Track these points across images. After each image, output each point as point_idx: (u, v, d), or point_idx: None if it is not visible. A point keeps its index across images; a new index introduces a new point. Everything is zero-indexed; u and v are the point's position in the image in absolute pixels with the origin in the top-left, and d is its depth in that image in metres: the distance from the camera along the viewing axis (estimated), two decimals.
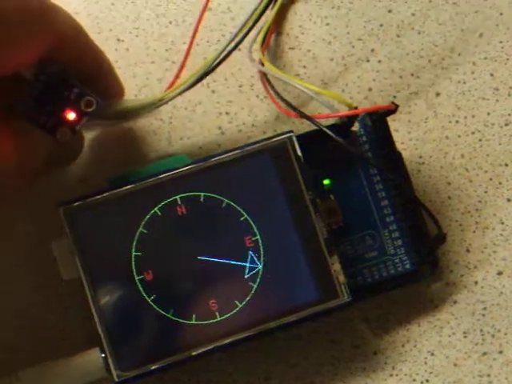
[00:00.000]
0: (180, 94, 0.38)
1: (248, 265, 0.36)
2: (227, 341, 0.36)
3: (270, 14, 0.40)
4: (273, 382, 0.40)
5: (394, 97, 0.42)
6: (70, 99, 0.34)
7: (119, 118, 0.39)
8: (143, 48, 0.42)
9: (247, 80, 0.42)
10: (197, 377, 0.39)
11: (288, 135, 0.37)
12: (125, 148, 0.41)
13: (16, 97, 0.34)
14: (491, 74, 0.42)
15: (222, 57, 0.37)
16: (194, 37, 0.39)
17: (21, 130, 0.34)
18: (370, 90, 0.42)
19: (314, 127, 0.38)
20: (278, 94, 0.39)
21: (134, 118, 0.39)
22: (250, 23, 0.37)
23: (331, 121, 0.38)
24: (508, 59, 0.42)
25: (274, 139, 0.37)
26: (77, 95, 0.34)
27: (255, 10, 0.38)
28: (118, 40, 0.42)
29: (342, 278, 0.36)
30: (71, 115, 0.34)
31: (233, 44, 0.37)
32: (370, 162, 0.38)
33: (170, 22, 0.42)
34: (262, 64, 0.39)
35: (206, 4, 0.39)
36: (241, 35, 0.37)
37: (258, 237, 0.36)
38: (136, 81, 0.41)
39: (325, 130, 0.36)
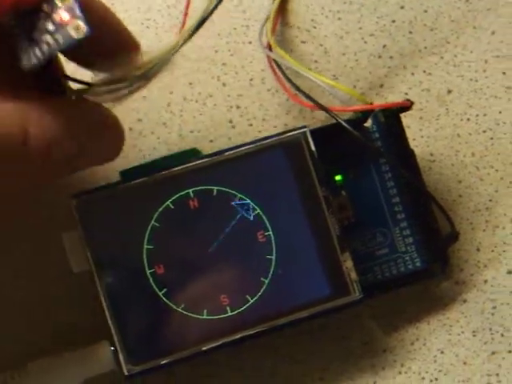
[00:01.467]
0: (190, 37, 0.38)
1: (260, 260, 0.36)
2: (238, 336, 0.36)
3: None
4: (279, 378, 0.39)
5: (406, 94, 0.41)
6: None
7: (134, 79, 0.38)
8: (154, 40, 0.42)
9: (258, 73, 0.42)
10: (206, 371, 0.39)
11: (302, 130, 0.37)
12: (135, 140, 0.40)
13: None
14: (503, 73, 0.42)
15: None
16: None
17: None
18: (382, 86, 0.42)
19: (324, 123, 0.38)
20: (290, 81, 0.38)
21: (149, 74, 0.39)
22: None
23: (344, 117, 0.37)
24: None
25: (288, 134, 0.37)
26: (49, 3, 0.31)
27: None
28: None
29: (353, 275, 0.36)
30: (64, 15, 0.31)
31: None
32: (386, 158, 0.38)
33: (181, 12, 0.42)
34: (272, 51, 0.39)
35: None
36: None
37: (271, 232, 0.36)
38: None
39: (342, 123, 0.36)
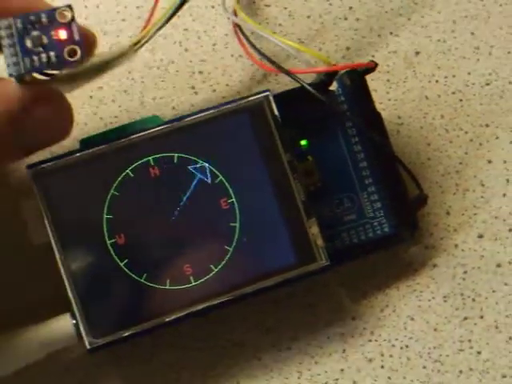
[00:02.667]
0: (158, 30, 0.37)
1: (223, 228, 0.35)
2: (202, 306, 0.35)
3: None
4: (247, 348, 0.39)
5: (373, 56, 0.41)
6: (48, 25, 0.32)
7: (97, 72, 0.37)
8: (114, 5, 0.41)
9: (221, 38, 0.41)
10: (171, 341, 0.38)
11: (265, 94, 0.36)
12: (96, 108, 0.40)
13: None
14: (472, 33, 0.41)
15: None
16: None
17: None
18: (348, 48, 0.41)
19: (288, 88, 0.37)
20: (254, 46, 0.38)
21: (112, 68, 0.38)
22: None
23: (308, 80, 0.37)
24: (489, 17, 0.41)
25: (250, 98, 0.36)
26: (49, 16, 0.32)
27: None
28: None
29: (320, 242, 0.35)
30: (62, 34, 0.32)
31: None
32: (352, 121, 0.37)
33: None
34: (236, 15, 0.38)
35: None
36: None
37: (234, 199, 0.35)
38: (107, 38, 0.40)
39: (306, 86, 0.35)
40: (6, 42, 0.32)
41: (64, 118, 0.34)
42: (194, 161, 0.35)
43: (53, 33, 0.32)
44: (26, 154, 0.34)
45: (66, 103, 0.34)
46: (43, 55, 0.32)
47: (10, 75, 0.32)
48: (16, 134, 0.33)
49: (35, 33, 0.32)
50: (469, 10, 0.41)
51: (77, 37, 0.32)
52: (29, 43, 0.32)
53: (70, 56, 0.32)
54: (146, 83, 0.40)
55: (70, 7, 0.32)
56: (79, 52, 0.32)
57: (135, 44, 0.37)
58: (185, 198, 0.35)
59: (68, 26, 0.32)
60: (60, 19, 0.32)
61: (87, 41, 0.34)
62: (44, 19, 0.32)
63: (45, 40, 0.32)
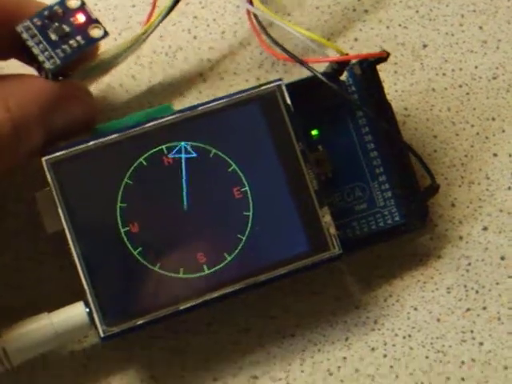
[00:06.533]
0: (161, 21, 0.37)
1: (236, 217, 0.35)
2: (215, 295, 0.35)
3: None
4: (252, 334, 0.39)
5: (381, 47, 0.41)
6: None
7: (111, 65, 0.37)
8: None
9: (230, 26, 0.41)
10: (174, 327, 0.38)
11: (277, 83, 0.36)
12: (104, 92, 0.39)
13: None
14: (480, 27, 0.41)
15: None
16: None
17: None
18: (356, 40, 0.41)
19: (297, 78, 0.37)
20: (269, 36, 0.37)
21: (124, 60, 0.38)
22: None
23: (319, 70, 0.37)
24: (497, 12, 0.42)
25: (263, 87, 0.36)
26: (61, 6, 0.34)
27: None
28: None
29: (332, 230, 0.36)
30: (81, 17, 0.34)
31: None
32: (363, 110, 0.37)
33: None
34: (251, 3, 0.38)
35: None
36: None
37: (247, 188, 0.35)
38: (116, 24, 0.40)
39: (318, 75, 0.36)
40: (31, 42, 0.33)
41: (90, 115, 0.35)
42: (207, 150, 0.35)
43: (72, 19, 0.34)
44: (47, 145, 0.34)
45: (93, 101, 0.36)
46: (71, 41, 0.33)
47: (49, 70, 0.33)
48: (45, 128, 0.33)
49: (55, 25, 0.34)
50: (477, 4, 0.42)
51: (93, 16, 0.34)
52: (53, 36, 0.33)
53: (95, 34, 0.34)
54: (154, 69, 0.40)
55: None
56: (102, 28, 0.34)
57: (143, 34, 0.37)
58: (198, 187, 0.35)
59: (82, 9, 0.34)
60: (72, 6, 0.34)
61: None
62: (59, 10, 0.34)
63: (66, 28, 0.34)
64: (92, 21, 0.34)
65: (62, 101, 0.34)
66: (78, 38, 0.34)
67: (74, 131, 0.35)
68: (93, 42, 0.34)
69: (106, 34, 0.34)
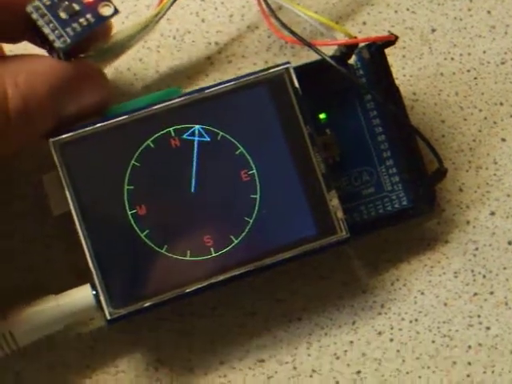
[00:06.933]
0: (173, 3, 0.36)
1: (243, 199, 0.35)
2: (222, 277, 0.35)
3: None
4: (258, 317, 0.39)
5: (389, 31, 0.40)
6: None
7: (123, 48, 0.37)
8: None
9: (238, 10, 0.41)
10: (180, 310, 0.38)
11: (285, 66, 0.36)
12: (111, 75, 0.39)
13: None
14: (488, 12, 0.41)
15: None
16: None
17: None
18: (365, 23, 0.41)
19: (305, 61, 0.37)
20: (279, 19, 0.37)
21: (136, 43, 0.38)
22: None
23: (328, 53, 0.37)
24: None
25: (271, 70, 0.36)
26: None
27: None
28: None
29: (340, 214, 0.35)
30: None
31: None
32: (372, 94, 0.37)
33: None
34: None
35: None
36: None
37: (254, 171, 0.35)
38: (123, 6, 0.40)
39: (327, 58, 0.35)
40: (41, 22, 0.33)
41: (104, 97, 0.35)
42: (216, 132, 0.35)
43: None
44: (60, 127, 0.34)
45: (107, 82, 0.35)
46: (81, 19, 0.33)
47: (60, 49, 0.33)
48: (56, 109, 0.33)
49: (65, 3, 0.33)
50: None
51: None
52: (63, 15, 0.33)
53: (105, 12, 0.34)
54: (161, 52, 0.40)
55: None
56: (112, 5, 0.34)
57: (156, 15, 0.36)
58: (205, 170, 0.35)
59: None
60: None
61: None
62: None
63: (76, 7, 0.33)
64: None
65: (74, 81, 0.34)
66: (88, 16, 0.33)
67: (88, 113, 0.35)
68: (103, 20, 0.34)
69: (116, 11, 0.34)
